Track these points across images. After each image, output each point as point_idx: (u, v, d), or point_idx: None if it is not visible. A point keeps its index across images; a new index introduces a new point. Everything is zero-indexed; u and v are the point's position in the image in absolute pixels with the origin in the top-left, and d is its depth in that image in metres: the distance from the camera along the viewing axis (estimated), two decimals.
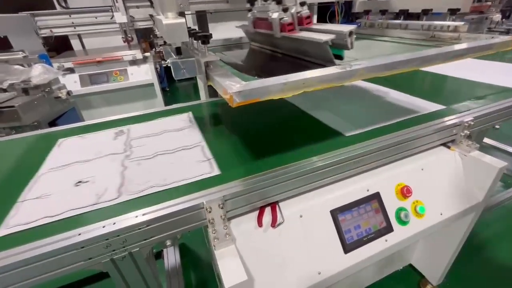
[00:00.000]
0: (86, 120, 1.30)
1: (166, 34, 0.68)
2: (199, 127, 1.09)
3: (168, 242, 0.70)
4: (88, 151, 0.97)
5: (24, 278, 0.58)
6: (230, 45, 1.59)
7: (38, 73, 1.91)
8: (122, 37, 3.50)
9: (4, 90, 1.92)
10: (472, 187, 1.00)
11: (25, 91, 1.94)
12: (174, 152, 0.92)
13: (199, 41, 0.69)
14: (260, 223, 0.77)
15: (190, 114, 1.23)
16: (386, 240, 0.87)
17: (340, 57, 0.93)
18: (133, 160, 0.89)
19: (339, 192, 0.86)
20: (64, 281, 1.50)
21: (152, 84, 3.33)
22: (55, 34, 3.26)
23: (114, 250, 0.63)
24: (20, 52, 1.95)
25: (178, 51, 0.74)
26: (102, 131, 1.12)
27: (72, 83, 3.01)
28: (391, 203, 0.91)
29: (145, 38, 4.02)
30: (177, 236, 1.52)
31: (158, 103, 3.46)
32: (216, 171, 0.80)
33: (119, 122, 1.22)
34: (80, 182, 0.79)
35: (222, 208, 0.70)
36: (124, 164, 0.87)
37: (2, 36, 1.98)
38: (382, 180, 0.92)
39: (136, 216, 0.65)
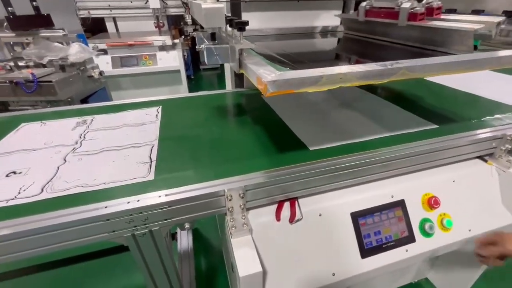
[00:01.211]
0: (115, 100, 1.34)
1: (204, 18, 0.67)
2: (162, 124, 1.04)
3: (187, 225, 0.71)
4: (41, 139, 0.94)
5: (48, 243, 0.61)
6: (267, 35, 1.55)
7: (75, 51, 1.99)
8: (154, 23, 3.58)
9: (43, 66, 2.03)
10: (508, 205, 0.93)
11: (62, 68, 2.04)
12: (121, 149, 0.87)
13: (235, 28, 0.68)
14: (278, 217, 0.76)
15: (159, 108, 1.19)
16: (406, 250, 0.83)
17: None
18: (77, 154, 0.85)
19: (362, 195, 0.83)
20: (85, 250, 1.58)
21: (178, 71, 3.40)
22: (92, 16, 3.40)
23: (135, 226, 0.65)
24: (61, 30, 2.05)
25: (213, 36, 0.73)
26: (66, 119, 1.10)
27: (104, 64, 3.12)
28: (416, 213, 0.86)
29: (175, 25, 4.09)
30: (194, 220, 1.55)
31: (182, 90, 3.53)
32: (150, 176, 0.74)
33: (86, 111, 1.20)
34: (13, 172, 0.77)
35: (242, 197, 0.70)
36: (66, 158, 0.83)
37: (46, 14, 2.08)
38: (408, 188, 0.87)
39: (159, 196, 0.66)
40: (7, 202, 0.65)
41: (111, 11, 3.51)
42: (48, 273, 1.45)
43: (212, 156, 0.84)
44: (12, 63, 2.00)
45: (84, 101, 2.28)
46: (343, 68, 0.60)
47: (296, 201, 0.80)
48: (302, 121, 1.05)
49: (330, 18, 1.51)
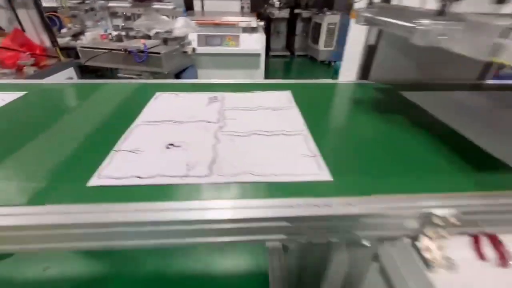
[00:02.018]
0: (201, 79, 1.28)
1: None
2: (300, 111, 0.93)
3: (365, 242, 0.59)
4: (181, 112, 0.90)
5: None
6: None
7: (180, 25, 2.02)
8: (241, 2, 3.51)
9: (149, 37, 2.09)
10: None
11: (165, 41, 2.09)
12: (271, 135, 0.78)
13: None
14: (481, 255, 0.59)
15: (289, 93, 1.07)
16: None
17: None
18: (226, 133, 0.78)
19: None
20: None
21: (259, 55, 3.32)
22: None
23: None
24: (171, 4, 2.10)
25: (443, 10, 0.56)
26: (196, 93, 1.06)
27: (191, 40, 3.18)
28: None
29: (254, 6, 3.97)
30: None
31: (258, 74, 3.46)
32: (325, 174, 0.62)
33: (212, 86, 1.14)
34: (171, 145, 0.72)
35: (452, 223, 0.54)
36: (217, 136, 0.76)
37: None
38: None
39: (350, 205, 0.54)
40: (182, 178, 0.60)
41: None
42: None
43: (388, 160, 0.69)
44: (124, 33, 2.11)
45: (177, 76, 2.33)
46: None
47: (497, 238, 0.61)
48: (484, 133, 0.83)
49: None
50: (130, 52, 1.85)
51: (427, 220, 0.55)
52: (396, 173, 0.65)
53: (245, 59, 3.36)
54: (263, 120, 0.87)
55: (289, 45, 5.74)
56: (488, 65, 1.30)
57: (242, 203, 0.54)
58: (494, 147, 0.75)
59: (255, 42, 3.27)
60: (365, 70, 1.28)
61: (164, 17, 2.06)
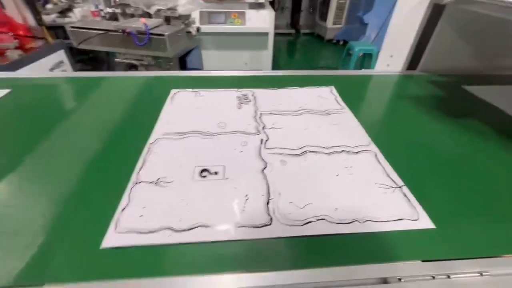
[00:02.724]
0: (204, 63, 1.07)
1: None
2: (354, 114, 0.75)
3: None
4: (208, 117, 0.71)
5: None
6: None
7: (184, 1, 1.74)
8: None
9: (149, 15, 1.83)
10: None
11: (167, 20, 1.83)
12: (331, 153, 0.60)
13: None
14: None
15: (333, 89, 0.88)
16: None
17: None
18: (274, 152, 0.60)
19: None
20: None
21: (267, 34, 3.03)
22: None
23: None
24: None
25: None
26: (221, 91, 0.86)
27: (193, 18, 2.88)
28: None
29: None
30: None
31: (266, 56, 3.19)
32: (423, 218, 0.45)
33: (238, 80, 0.94)
34: (206, 171, 0.54)
35: None
36: (262, 156, 0.58)
37: None
38: None
39: (478, 274, 0.38)
40: (236, 229, 0.43)
41: None
42: None
43: (497, 194, 0.52)
44: (119, 10, 1.84)
45: (182, 59, 2.08)
46: None
47: None
48: None
49: None
50: (129, 33, 1.60)
51: None
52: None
53: (253, 39, 3.07)
54: (314, 129, 0.69)
55: (294, 22, 5.35)
56: None
57: (321, 275, 0.38)
58: None
59: (263, 20, 2.96)
60: (415, 58, 1.08)
61: None
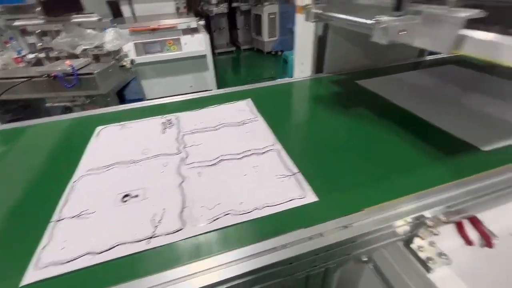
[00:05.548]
0: (146, 92, 1.15)
1: None
2: (265, 121, 0.86)
3: (365, 258, 0.56)
4: (133, 147, 0.77)
5: None
6: None
7: (111, 38, 1.78)
8: (176, 2, 3.29)
9: (76, 56, 1.82)
10: None
11: (96, 57, 1.84)
12: (242, 157, 0.70)
13: None
14: (468, 241, 0.60)
15: (249, 102, 0.99)
16: None
17: None
18: (191, 166, 0.68)
19: None
20: None
21: (204, 56, 3.16)
22: None
23: (314, 266, 0.50)
24: (94, 15, 1.82)
25: (399, 5, 0.53)
26: (147, 120, 0.92)
27: (127, 51, 2.90)
28: None
29: (190, 5, 3.76)
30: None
31: (210, 77, 3.32)
32: (310, 195, 0.57)
33: (164, 107, 1.01)
34: (127, 196, 0.60)
35: (443, 221, 0.53)
36: (181, 172, 0.66)
37: None
38: None
39: (345, 227, 0.50)
40: (147, 243, 0.49)
41: None
42: None
43: (364, 166, 0.67)
44: (42, 54, 1.80)
45: (119, 94, 2.09)
46: None
47: (478, 220, 0.63)
48: (440, 112, 0.86)
49: None
50: (55, 77, 1.58)
51: (418, 223, 0.54)
52: (377, 176, 0.63)
53: (191, 63, 3.18)
54: (229, 139, 0.79)
55: (234, 40, 5.63)
56: None
57: (230, 256, 0.46)
58: (452, 126, 0.78)
59: (198, 43, 3.09)
60: (319, 63, 1.26)
61: (90, 30, 1.79)
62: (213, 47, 5.27)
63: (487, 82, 1.07)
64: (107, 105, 1.85)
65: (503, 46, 0.41)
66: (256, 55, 5.38)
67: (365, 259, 0.56)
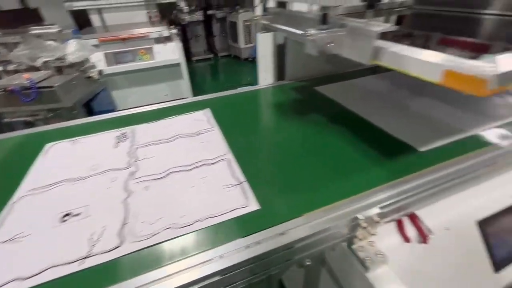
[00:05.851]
0: (119, 102, 1.13)
1: None
2: (221, 131, 0.87)
3: (308, 262, 0.58)
4: (82, 163, 0.75)
5: None
6: None
7: (73, 49, 1.74)
8: (148, 12, 3.27)
9: (37, 69, 1.76)
10: None
11: (59, 69, 1.79)
12: (192, 168, 0.70)
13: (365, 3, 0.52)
14: (406, 238, 0.63)
15: (208, 111, 1.00)
16: None
17: None
18: (140, 180, 0.67)
19: (485, 196, 0.71)
20: None
21: (178, 64, 3.14)
22: (74, 8, 3.03)
23: (255, 274, 0.51)
24: (54, 26, 1.77)
25: (325, 19, 0.56)
26: (101, 134, 0.90)
27: (96, 62, 2.84)
28: None
29: (163, 14, 3.74)
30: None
31: (185, 85, 3.30)
32: (252, 203, 0.58)
33: (121, 120, 0.99)
34: (68, 215, 0.58)
35: (377, 221, 0.56)
36: (127, 188, 0.65)
37: (32, 8, 1.79)
38: None
39: (282, 234, 0.51)
40: (80, 264, 0.48)
41: (95, 1, 3.13)
42: None
43: (310, 171, 0.69)
44: (0, 68, 1.73)
45: (87, 106, 2.03)
46: None
47: (416, 217, 0.67)
48: (387, 116, 0.90)
49: None
50: (12, 91, 1.52)
51: (355, 225, 0.56)
52: (321, 181, 0.65)
53: (165, 71, 3.15)
54: (182, 151, 0.79)
55: (211, 47, 5.63)
56: None
57: (166, 271, 0.46)
58: (396, 129, 0.82)
59: (171, 52, 3.07)
60: (280, 71, 1.30)
61: (51, 42, 1.74)
62: (190, 54, 5.26)
63: (435, 86, 1.14)
64: (72, 118, 1.79)
65: (409, 58, 0.45)
66: (233, 61, 5.41)
67: (308, 263, 0.58)
